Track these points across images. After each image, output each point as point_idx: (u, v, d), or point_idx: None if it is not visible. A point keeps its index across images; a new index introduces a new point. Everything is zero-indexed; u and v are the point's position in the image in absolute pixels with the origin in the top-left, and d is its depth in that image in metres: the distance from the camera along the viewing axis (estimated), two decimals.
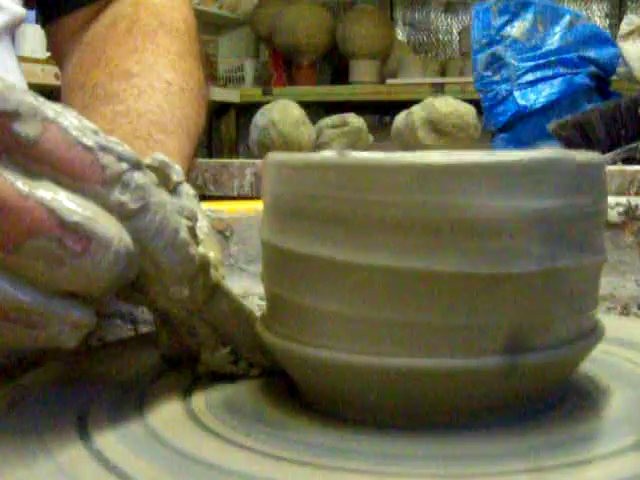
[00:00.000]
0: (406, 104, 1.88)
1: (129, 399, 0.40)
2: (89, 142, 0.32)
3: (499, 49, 1.91)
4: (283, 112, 1.75)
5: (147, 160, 0.37)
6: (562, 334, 0.35)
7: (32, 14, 0.85)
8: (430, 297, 0.33)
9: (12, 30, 0.80)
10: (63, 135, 0.31)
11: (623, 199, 0.60)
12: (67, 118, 0.32)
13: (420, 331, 0.33)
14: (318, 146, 1.78)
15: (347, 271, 0.34)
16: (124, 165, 0.32)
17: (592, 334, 0.37)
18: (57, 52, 0.80)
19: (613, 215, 0.60)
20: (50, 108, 0.32)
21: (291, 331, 0.36)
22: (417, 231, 0.32)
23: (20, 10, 0.79)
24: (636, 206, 0.60)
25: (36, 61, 2.41)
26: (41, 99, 0.31)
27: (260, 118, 1.76)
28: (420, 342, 0.33)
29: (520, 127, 1.88)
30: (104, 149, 0.32)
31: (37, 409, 0.39)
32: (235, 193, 1.61)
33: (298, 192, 0.35)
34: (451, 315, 0.33)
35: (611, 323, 0.40)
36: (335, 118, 1.83)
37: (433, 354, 0.33)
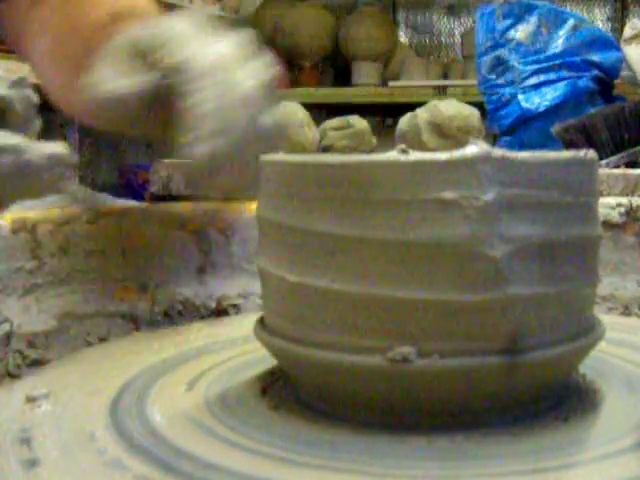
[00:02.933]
0: (408, 106, 1.87)
1: (129, 398, 0.40)
2: None
3: (503, 52, 1.91)
4: (287, 114, 1.75)
5: None
6: (562, 334, 0.35)
7: None
8: (426, 271, 0.33)
9: None
10: None
11: (624, 199, 0.60)
12: None
13: (413, 312, 0.33)
14: (322, 148, 1.78)
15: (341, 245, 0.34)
16: None
17: (592, 334, 0.37)
18: (11, 32, 0.83)
19: (614, 216, 0.60)
20: None
21: (283, 310, 0.37)
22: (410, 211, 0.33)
23: None
24: (637, 207, 0.60)
25: None
26: None
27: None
28: (415, 326, 0.33)
29: (524, 130, 1.87)
30: None
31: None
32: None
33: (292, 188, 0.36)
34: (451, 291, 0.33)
35: (612, 323, 0.40)
36: (339, 120, 1.82)
37: (430, 340, 0.33)
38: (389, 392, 0.35)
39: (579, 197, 0.35)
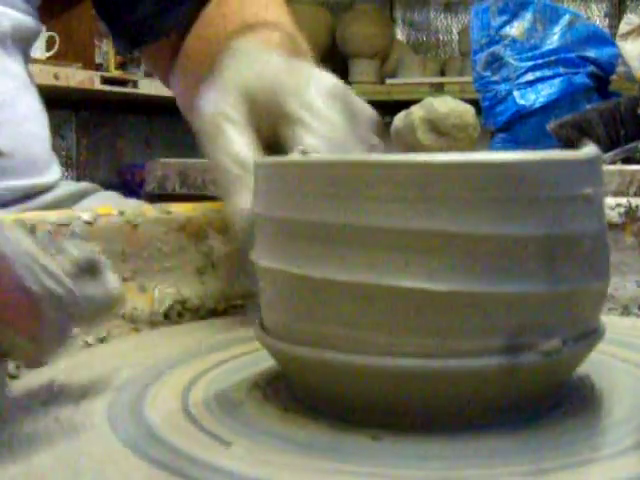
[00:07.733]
0: (406, 104, 1.87)
1: (129, 400, 0.40)
2: None
3: (498, 49, 1.91)
4: None
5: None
6: (562, 334, 0.35)
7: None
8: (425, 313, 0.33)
9: (24, 43, 0.84)
10: None
11: (623, 200, 0.60)
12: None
13: (417, 332, 0.33)
14: None
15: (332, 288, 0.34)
16: None
17: (592, 334, 0.37)
18: (161, 67, 0.86)
19: (614, 216, 0.60)
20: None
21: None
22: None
23: (30, 22, 0.82)
24: (637, 207, 0.60)
25: (35, 61, 2.41)
26: None
27: None
28: (417, 342, 0.33)
29: (519, 127, 1.88)
30: None
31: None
32: None
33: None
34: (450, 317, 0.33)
35: (611, 324, 0.40)
36: None
37: (432, 353, 0.33)
38: (388, 394, 0.35)
39: (598, 193, 0.37)
